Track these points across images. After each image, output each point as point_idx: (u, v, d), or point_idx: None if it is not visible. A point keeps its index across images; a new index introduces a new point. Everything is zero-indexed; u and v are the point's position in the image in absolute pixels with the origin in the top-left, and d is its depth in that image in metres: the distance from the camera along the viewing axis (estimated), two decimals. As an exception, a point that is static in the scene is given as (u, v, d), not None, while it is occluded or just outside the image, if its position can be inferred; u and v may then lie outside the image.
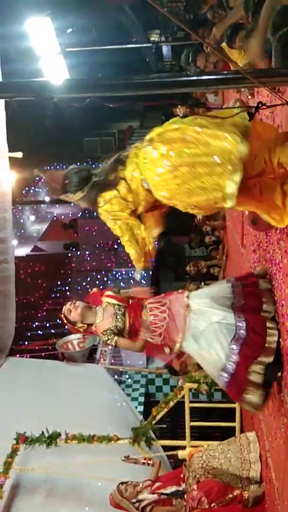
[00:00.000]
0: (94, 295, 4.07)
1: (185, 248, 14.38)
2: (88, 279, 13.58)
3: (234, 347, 3.52)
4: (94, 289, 4.20)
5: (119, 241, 3.37)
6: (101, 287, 4.27)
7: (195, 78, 1.77)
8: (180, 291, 3.91)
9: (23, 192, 13.90)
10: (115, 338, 3.83)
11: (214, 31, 5.37)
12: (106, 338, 3.85)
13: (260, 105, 2.24)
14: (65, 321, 4.00)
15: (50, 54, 7.35)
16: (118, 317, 3.82)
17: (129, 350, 4.02)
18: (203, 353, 3.63)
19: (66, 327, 4.42)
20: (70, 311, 3.90)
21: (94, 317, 3.91)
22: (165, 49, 17.73)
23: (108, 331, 3.83)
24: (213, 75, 1.76)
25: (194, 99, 7.89)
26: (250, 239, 5.57)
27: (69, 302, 3.98)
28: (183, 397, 5.97)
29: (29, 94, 1.85)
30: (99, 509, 5.57)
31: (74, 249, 15.69)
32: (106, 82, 1.86)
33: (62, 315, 4.00)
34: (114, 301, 3.92)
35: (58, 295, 11.65)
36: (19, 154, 6.98)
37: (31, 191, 14.87)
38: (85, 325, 3.94)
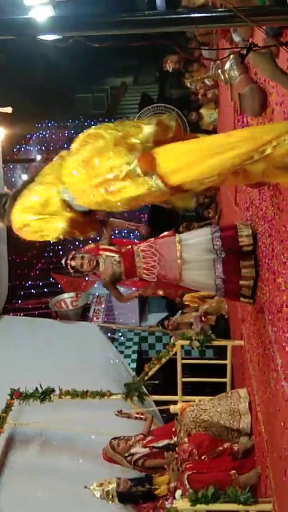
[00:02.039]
0: (92, 249, 4.75)
1: (178, 207, 14.24)
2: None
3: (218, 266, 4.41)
4: (92, 244, 4.87)
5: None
6: (90, 242, 5.18)
7: (186, 16, 1.67)
8: (168, 233, 4.69)
9: (14, 150, 13.61)
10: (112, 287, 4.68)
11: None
12: (109, 281, 4.63)
13: (252, 46, 2.17)
14: (73, 272, 4.67)
15: (39, 5, 7.07)
16: (115, 265, 4.57)
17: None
18: (198, 278, 4.51)
19: (59, 286, 5.01)
20: (83, 264, 4.55)
21: (98, 266, 4.64)
22: (159, 1, 17.17)
23: (108, 277, 4.60)
24: (204, 12, 1.67)
25: (188, 49, 7.69)
26: (243, 196, 5.52)
27: (77, 256, 4.60)
28: (175, 354, 6.03)
29: (9, 32, 1.73)
30: (92, 461, 5.71)
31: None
32: (94, 20, 1.75)
33: (70, 267, 4.60)
34: (110, 254, 4.61)
35: (51, 254, 11.58)
36: (8, 109, 6.80)
37: (22, 149, 14.56)
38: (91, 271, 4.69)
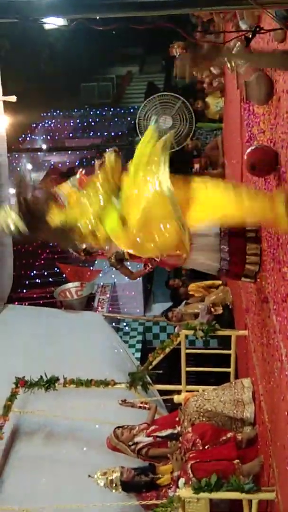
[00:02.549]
0: None
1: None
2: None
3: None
4: None
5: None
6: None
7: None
8: None
9: (19, 139, 13.59)
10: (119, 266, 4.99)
11: None
12: (114, 261, 4.90)
13: (257, 29, 2.14)
14: (84, 255, 4.96)
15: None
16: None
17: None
18: (203, 260, 4.51)
19: (64, 275, 5.10)
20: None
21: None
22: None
23: (112, 256, 4.86)
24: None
25: (195, 35, 7.61)
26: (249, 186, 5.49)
27: None
28: (179, 344, 6.03)
29: (12, 15, 1.69)
30: (96, 450, 5.73)
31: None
32: (94, 2, 1.71)
33: (82, 250, 4.81)
34: None
35: (56, 244, 11.58)
36: (13, 98, 6.78)
37: (28, 138, 14.53)
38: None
